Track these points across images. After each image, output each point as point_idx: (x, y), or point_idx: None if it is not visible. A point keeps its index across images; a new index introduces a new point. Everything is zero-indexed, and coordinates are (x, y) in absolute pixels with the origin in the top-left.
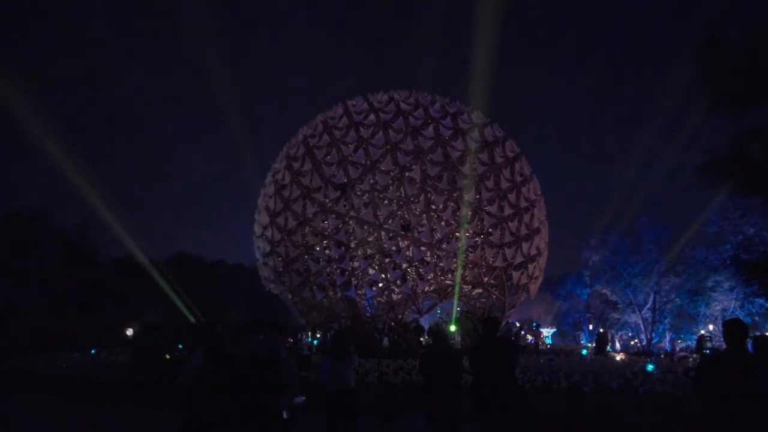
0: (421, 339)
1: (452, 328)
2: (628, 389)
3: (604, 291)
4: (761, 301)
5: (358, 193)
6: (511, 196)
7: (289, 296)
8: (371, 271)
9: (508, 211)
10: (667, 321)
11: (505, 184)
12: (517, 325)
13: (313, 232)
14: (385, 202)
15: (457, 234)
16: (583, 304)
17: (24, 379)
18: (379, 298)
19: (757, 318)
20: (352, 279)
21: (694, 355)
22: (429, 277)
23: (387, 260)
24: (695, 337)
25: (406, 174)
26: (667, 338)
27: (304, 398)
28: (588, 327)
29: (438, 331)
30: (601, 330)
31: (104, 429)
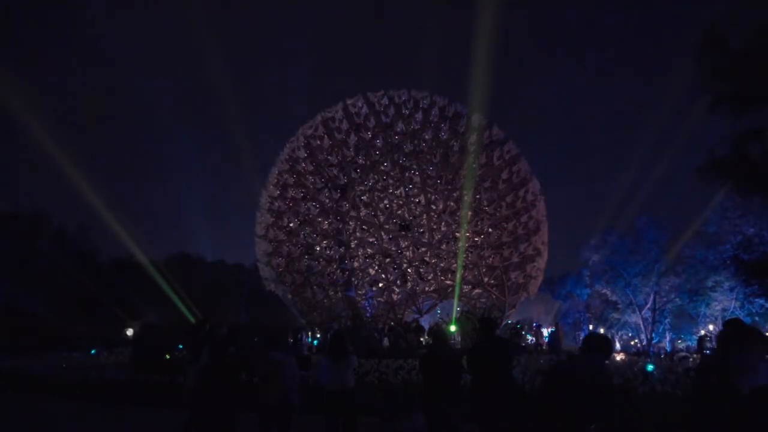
0: (421, 339)
1: (452, 328)
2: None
3: (604, 291)
4: (761, 301)
5: (359, 193)
6: (511, 197)
7: (290, 296)
8: (372, 271)
9: (507, 211)
10: (667, 321)
11: (504, 185)
12: (518, 326)
13: (314, 233)
14: (385, 202)
15: (457, 234)
16: (583, 304)
17: (24, 379)
18: (379, 298)
19: (757, 318)
20: (353, 279)
21: (695, 355)
22: (429, 278)
23: (387, 260)
24: (695, 337)
25: (406, 174)
26: (667, 338)
27: None
28: (588, 327)
29: (438, 331)
30: (553, 328)
31: (104, 429)
